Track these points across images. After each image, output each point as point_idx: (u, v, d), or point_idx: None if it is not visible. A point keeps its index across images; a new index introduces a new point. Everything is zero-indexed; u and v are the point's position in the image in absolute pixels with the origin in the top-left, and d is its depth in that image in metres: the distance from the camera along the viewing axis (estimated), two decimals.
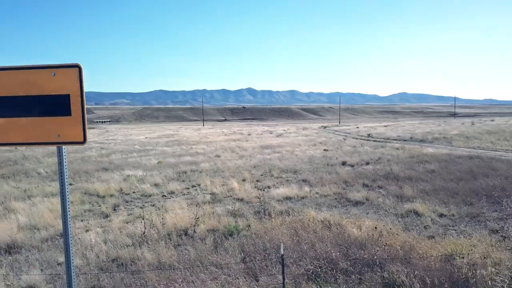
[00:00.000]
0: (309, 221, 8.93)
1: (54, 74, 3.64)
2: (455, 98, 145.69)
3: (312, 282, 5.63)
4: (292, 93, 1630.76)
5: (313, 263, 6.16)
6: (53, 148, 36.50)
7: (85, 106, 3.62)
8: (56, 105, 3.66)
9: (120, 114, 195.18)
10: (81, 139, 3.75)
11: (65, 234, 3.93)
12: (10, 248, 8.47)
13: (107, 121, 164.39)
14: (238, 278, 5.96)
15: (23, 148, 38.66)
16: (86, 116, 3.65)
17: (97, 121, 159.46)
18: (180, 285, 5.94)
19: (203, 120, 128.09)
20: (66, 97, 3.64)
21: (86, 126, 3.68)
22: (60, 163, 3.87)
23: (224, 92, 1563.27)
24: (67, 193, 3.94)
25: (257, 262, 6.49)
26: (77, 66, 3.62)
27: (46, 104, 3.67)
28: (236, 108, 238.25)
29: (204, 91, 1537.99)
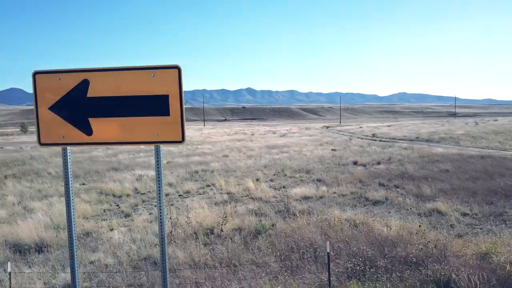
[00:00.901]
0: (335, 220, 8.97)
1: (153, 75, 3.69)
2: (455, 98, 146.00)
3: (355, 280, 5.68)
4: (292, 93, 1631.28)
5: (351, 261, 6.21)
6: (59, 148, 36.59)
7: (184, 107, 3.67)
8: (155, 105, 3.70)
9: None
10: (180, 139, 3.79)
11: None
12: (40, 247, 8.50)
13: None
14: (277, 277, 6.00)
15: (28, 148, 38.69)
16: (184, 116, 3.69)
17: None
18: (219, 283, 5.98)
19: (204, 120, 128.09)
20: (165, 98, 3.68)
21: (185, 126, 3.73)
22: (158, 161, 3.91)
23: (224, 92, 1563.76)
24: (161, 190, 3.95)
25: (294, 260, 6.54)
26: (176, 67, 3.66)
27: (145, 104, 3.72)
28: (236, 108, 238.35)
29: (204, 91, 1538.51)
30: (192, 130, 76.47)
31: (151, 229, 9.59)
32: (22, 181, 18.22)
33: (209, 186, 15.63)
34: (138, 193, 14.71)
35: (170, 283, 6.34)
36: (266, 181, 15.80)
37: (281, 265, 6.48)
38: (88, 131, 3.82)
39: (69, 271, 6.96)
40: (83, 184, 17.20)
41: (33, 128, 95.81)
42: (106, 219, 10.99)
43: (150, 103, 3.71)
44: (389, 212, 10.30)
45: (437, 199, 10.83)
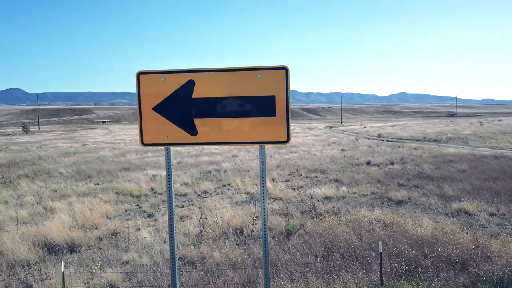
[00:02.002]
0: (365, 220, 8.96)
1: (260, 76, 3.69)
2: (456, 98, 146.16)
3: (404, 279, 5.66)
4: (292, 93, 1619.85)
5: (395, 261, 6.20)
6: (67, 149, 36.29)
7: (290, 107, 3.66)
8: (261, 106, 3.71)
9: (120, 114, 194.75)
10: (285, 139, 3.79)
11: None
12: (71, 247, 8.47)
13: (107, 121, 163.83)
14: (324, 276, 5.98)
15: (34, 148, 38.62)
16: (290, 116, 3.68)
17: (97, 121, 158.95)
18: (258, 283, 5.96)
19: None
20: (272, 98, 3.69)
21: (290, 126, 3.72)
22: (262, 161, 3.92)
23: None
24: (263, 190, 3.94)
25: (337, 260, 6.52)
26: (284, 68, 3.66)
27: (252, 105, 3.73)
28: None
29: None
30: None
31: (178, 229, 9.56)
32: (35, 181, 18.19)
33: (225, 186, 15.61)
34: (155, 193, 14.69)
35: (211, 283, 6.33)
36: (282, 181, 15.79)
37: (324, 264, 6.46)
38: (193, 131, 3.84)
39: (107, 271, 6.96)
40: (97, 184, 17.16)
41: (35, 128, 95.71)
42: (130, 219, 10.96)
43: (256, 104, 3.72)
44: (415, 212, 10.28)
45: (462, 199, 10.81)
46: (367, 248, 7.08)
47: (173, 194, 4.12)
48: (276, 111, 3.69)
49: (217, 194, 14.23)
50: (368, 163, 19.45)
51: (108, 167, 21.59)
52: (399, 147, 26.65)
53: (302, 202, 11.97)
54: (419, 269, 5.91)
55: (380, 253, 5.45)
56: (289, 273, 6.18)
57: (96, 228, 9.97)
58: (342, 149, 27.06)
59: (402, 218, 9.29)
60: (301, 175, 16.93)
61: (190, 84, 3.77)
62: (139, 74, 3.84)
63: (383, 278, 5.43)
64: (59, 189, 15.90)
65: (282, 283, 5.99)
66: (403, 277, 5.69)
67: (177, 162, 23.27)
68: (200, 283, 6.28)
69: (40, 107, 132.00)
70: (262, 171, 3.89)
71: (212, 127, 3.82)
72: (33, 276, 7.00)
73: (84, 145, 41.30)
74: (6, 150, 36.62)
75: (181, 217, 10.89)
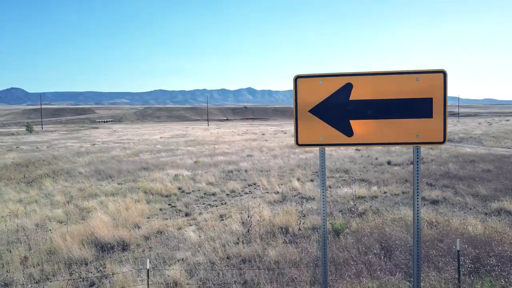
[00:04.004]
0: (409, 219, 9.00)
1: (418, 79, 3.81)
2: (458, 98, 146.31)
3: (478, 277, 5.72)
4: (290, 92, 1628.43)
5: (459, 259, 6.25)
6: (78, 148, 36.28)
7: (447, 109, 3.75)
8: (418, 108, 3.83)
9: (122, 114, 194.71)
10: (441, 139, 3.92)
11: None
12: (122, 246, 8.52)
13: (109, 121, 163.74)
14: (394, 273, 6.04)
15: (44, 148, 38.66)
16: (447, 118, 3.78)
17: (99, 121, 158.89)
18: (330, 281, 6.02)
19: (208, 120, 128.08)
20: (429, 101, 3.81)
21: (447, 127, 3.81)
22: (417, 162, 4.02)
23: (224, 92, 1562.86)
24: (417, 191, 4.03)
25: (402, 258, 6.58)
26: (442, 72, 3.77)
27: (407, 107, 3.85)
28: (238, 107, 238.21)
29: (204, 90, 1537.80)
30: (200, 130, 76.46)
31: (221, 228, 9.61)
32: (58, 180, 18.22)
33: (251, 185, 15.66)
34: (183, 192, 14.73)
35: (272, 280, 6.38)
36: (308, 181, 15.84)
37: (388, 263, 6.52)
38: (349, 132, 3.97)
39: (168, 269, 7.01)
40: (120, 183, 17.20)
41: (38, 128, 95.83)
42: (167, 218, 11.02)
43: (413, 106, 3.84)
44: (454, 211, 10.33)
45: (502, 199, 10.87)
46: (423, 246, 7.13)
47: (326, 193, 4.28)
48: (434, 112, 3.82)
49: (245, 193, 14.28)
50: (389, 163, 19.52)
51: (127, 167, 21.63)
52: None
53: (336, 202, 12.02)
54: (486, 267, 5.97)
55: (458, 251, 5.51)
56: (353, 271, 6.23)
57: (138, 227, 10.03)
58: (356, 149, 27.12)
59: (445, 217, 9.35)
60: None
61: (348, 87, 3.92)
62: (296, 78, 4.00)
63: (460, 277, 5.49)
64: (84, 188, 15.95)
65: (349, 280, 6.04)
66: (476, 276, 5.75)
67: (194, 162, 23.33)
68: (264, 282, 6.32)
69: (41, 107, 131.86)
70: (417, 172, 3.97)
71: (368, 128, 3.94)
72: (93, 274, 7.07)
73: (93, 144, 41.36)
74: (17, 150, 36.67)
75: (220, 216, 10.94)
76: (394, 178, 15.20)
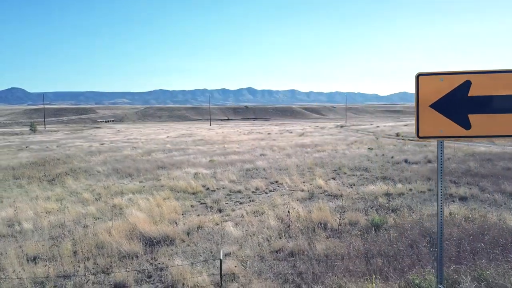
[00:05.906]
0: (446, 214, 9.19)
1: None
2: None
3: None
4: (292, 92, 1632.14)
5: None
6: (88, 148, 36.40)
7: None
8: None
9: (123, 114, 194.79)
10: None
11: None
12: (168, 240, 8.69)
13: (110, 121, 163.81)
14: (462, 263, 6.23)
15: (54, 147, 38.81)
16: None
17: (100, 121, 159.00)
18: (388, 271, 6.20)
19: (210, 120, 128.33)
20: None
21: None
22: None
23: (224, 92, 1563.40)
24: None
25: (466, 250, 6.78)
26: None
27: None
28: (239, 107, 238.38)
29: (204, 90, 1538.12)
30: (204, 130, 76.64)
31: (259, 224, 9.78)
32: (79, 178, 18.39)
33: (273, 183, 15.83)
34: (207, 189, 14.91)
35: (333, 272, 6.55)
36: (329, 179, 16.00)
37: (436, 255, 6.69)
38: (467, 125, 4.32)
39: (216, 263, 7.18)
40: (141, 182, 17.38)
41: (41, 127, 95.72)
42: (200, 214, 11.18)
43: None
44: (485, 208, 10.52)
45: None
46: (475, 240, 7.29)
47: (443, 185, 4.61)
48: None
49: (270, 191, 14.45)
50: (406, 161, 19.71)
51: (143, 166, 21.79)
52: (425, 145, 26.92)
53: (363, 199, 12.19)
54: None
55: None
56: (407, 262, 6.43)
57: (176, 223, 10.20)
58: (369, 148, 27.33)
59: (479, 212, 9.53)
60: (345, 173, 17.16)
61: (467, 84, 4.27)
62: (418, 75, 4.34)
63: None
64: (108, 186, 16.12)
65: (396, 274, 6.22)
66: None
67: (209, 161, 23.51)
68: (321, 272, 6.49)
69: (42, 106, 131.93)
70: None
71: (485, 122, 4.30)
72: (148, 267, 7.24)
73: (102, 144, 41.54)
74: (27, 149, 36.85)
75: (253, 212, 11.10)
76: (417, 175, 15.37)
